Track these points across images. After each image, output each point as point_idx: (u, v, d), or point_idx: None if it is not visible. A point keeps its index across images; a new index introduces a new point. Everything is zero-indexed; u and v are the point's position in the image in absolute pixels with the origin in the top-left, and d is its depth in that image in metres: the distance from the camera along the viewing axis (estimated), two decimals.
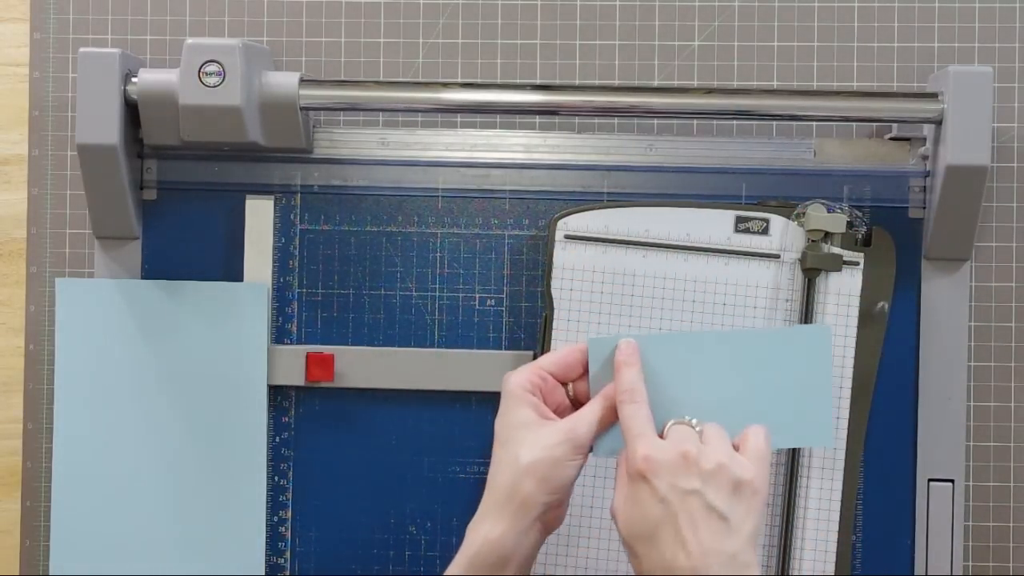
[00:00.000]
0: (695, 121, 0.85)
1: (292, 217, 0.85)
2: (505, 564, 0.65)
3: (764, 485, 0.63)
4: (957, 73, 0.78)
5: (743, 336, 0.71)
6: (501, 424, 0.68)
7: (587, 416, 0.67)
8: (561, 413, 0.70)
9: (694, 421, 0.66)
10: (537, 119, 0.85)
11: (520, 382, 0.69)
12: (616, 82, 0.85)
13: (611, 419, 0.68)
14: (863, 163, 0.83)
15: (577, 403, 0.71)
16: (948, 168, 0.78)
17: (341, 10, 0.86)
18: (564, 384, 0.71)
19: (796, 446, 0.66)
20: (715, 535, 0.60)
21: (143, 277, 0.85)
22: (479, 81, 0.85)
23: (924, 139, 0.81)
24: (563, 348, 0.72)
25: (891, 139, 0.83)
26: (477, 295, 0.84)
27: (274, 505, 0.84)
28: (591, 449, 0.68)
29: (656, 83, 0.85)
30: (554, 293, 0.81)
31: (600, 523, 0.80)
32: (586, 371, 0.71)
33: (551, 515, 0.67)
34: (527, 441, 0.66)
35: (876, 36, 0.84)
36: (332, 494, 0.85)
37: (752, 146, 0.83)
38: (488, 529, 0.65)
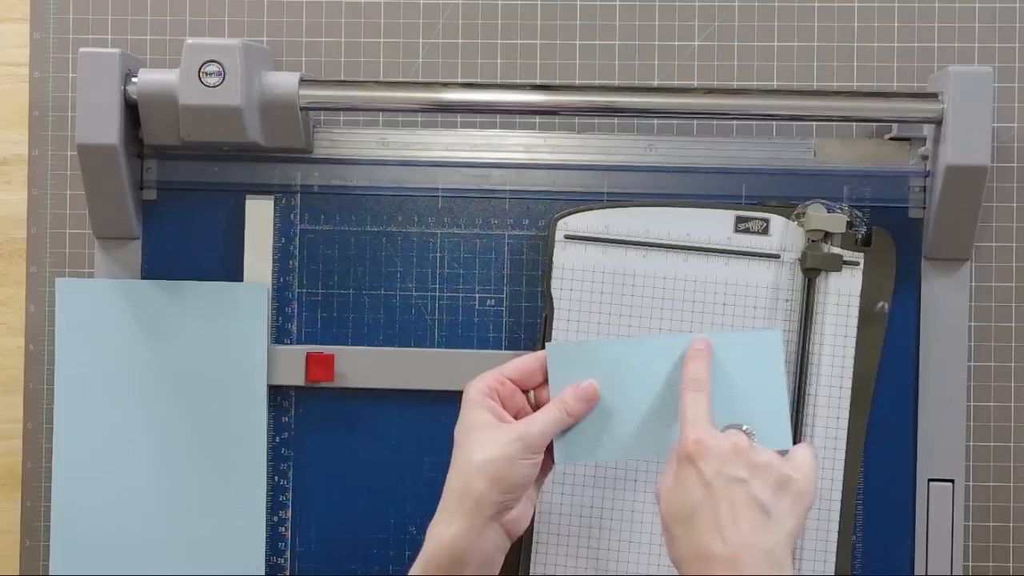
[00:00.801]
0: (695, 121, 0.85)
1: (292, 217, 0.85)
2: (461, 565, 0.65)
3: (811, 488, 0.62)
4: (957, 73, 0.78)
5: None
6: (458, 428, 0.69)
7: (540, 417, 0.68)
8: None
9: (746, 427, 0.65)
10: (537, 119, 0.85)
11: (479, 387, 0.69)
12: (616, 82, 0.85)
13: (565, 422, 0.69)
14: (863, 163, 0.83)
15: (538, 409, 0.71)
16: (948, 168, 0.78)
17: (341, 10, 0.86)
18: (525, 391, 0.71)
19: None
20: (754, 527, 0.60)
21: (143, 277, 0.85)
22: (479, 81, 0.85)
23: (924, 139, 0.81)
24: (524, 355, 0.72)
25: (891, 139, 0.83)
26: (477, 295, 0.84)
27: (274, 505, 0.84)
28: (555, 457, 0.69)
29: (656, 83, 0.85)
30: (554, 293, 0.81)
31: (600, 523, 0.80)
32: (547, 378, 0.71)
33: (510, 517, 0.67)
34: (480, 441, 0.66)
35: (876, 36, 0.84)
36: (332, 494, 0.85)
37: (752, 146, 0.83)
38: (442, 530, 0.66)
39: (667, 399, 0.69)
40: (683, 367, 0.68)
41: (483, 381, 0.69)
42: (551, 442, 0.69)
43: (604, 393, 0.69)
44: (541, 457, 0.68)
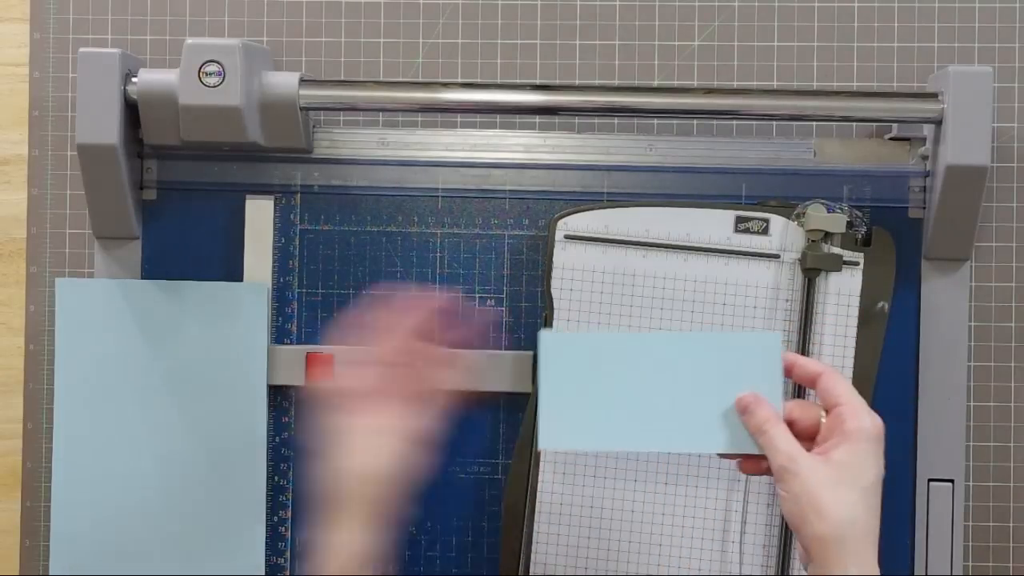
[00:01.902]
0: (695, 121, 0.85)
1: (292, 217, 0.85)
2: None
3: None
4: (957, 73, 0.78)
5: (694, 338, 0.71)
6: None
7: None
8: None
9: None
10: (537, 119, 0.85)
11: None
12: (616, 82, 0.85)
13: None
14: (863, 163, 0.83)
15: None
16: (948, 168, 0.78)
17: (341, 10, 0.86)
18: None
19: (745, 452, 0.66)
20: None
21: (143, 277, 0.84)
22: (479, 81, 0.85)
23: (924, 139, 0.81)
24: None
25: (891, 139, 0.83)
26: (477, 295, 0.84)
27: (274, 505, 0.84)
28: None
29: (656, 83, 0.85)
30: (554, 293, 0.81)
31: (600, 523, 0.80)
32: None
33: None
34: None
35: (876, 36, 0.84)
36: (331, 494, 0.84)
37: (752, 146, 0.83)
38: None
39: (663, 394, 0.68)
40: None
41: None
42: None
43: (596, 381, 0.68)
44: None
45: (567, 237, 0.81)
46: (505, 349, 0.84)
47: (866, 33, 0.84)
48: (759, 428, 0.64)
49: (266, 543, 0.84)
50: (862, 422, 0.61)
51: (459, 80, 0.85)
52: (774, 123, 0.84)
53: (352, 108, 0.83)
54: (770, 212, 0.80)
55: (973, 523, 0.83)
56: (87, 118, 0.79)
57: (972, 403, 0.83)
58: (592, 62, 0.85)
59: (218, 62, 0.78)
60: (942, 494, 0.82)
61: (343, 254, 0.85)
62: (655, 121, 0.85)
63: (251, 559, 0.83)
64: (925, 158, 0.81)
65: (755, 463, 0.65)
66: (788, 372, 0.66)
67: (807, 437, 0.64)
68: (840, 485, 0.60)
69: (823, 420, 0.63)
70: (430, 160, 0.84)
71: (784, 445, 0.62)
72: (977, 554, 0.83)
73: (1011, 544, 0.83)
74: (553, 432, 0.68)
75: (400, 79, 0.85)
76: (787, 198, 0.82)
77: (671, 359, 0.68)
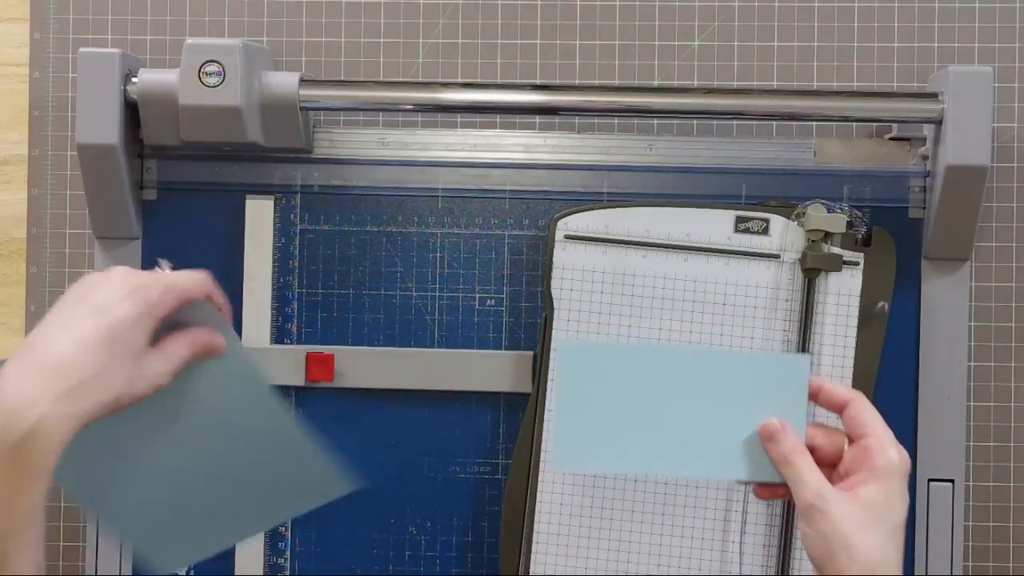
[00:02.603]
0: (695, 121, 0.85)
1: (292, 217, 0.85)
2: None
3: None
4: (957, 73, 0.78)
5: (718, 356, 0.69)
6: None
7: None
8: None
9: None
10: (537, 119, 0.85)
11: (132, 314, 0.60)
12: (616, 82, 0.85)
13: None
14: (863, 163, 0.83)
15: None
16: (948, 168, 0.78)
17: (341, 10, 0.86)
18: None
19: (766, 480, 0.64)
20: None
21: None
22: (479, 81, 0.85)
23: (924, 139, 0.81)
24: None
25: (891, 139, 0.83)
26: (477, 295, 0.84)
27: None
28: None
29: (656, 83, 0.85)
30: (554, 293, 0.81)
31: (600, 523, 0.80)
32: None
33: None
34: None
35: (876, 36, 0.84)
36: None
37: (752, 146, 0.83)
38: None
39: (683, 414, 0.65)
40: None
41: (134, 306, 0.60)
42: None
43: (615, 397, 0.65)
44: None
45: (567, 237, 0.81)
46: (505, 349, 0.84)
47: (866, 33, 0.84)
48: (784, 458, 0.61)
49: (266, 543, 0.84)
50: (891, 459, 0.59)
51: (459, 80, 0.85)
52: (774, 123, 0.84)
53: (352, 108, 0.83)
54: (770, 212, 0.80)
55: (973, 523, 0.83)
56: (87, 118, 0.79)
57: (972, 403, 0.83)
58: (592, 62, 0.85)
59: (218, 62, 0.78)
60: (942, 494, 0.82)
61: (343, 254, 0.85)
62: (655, 121, 0.85)
63: (250, 559, 0.83)
64: (925, 158, 0.81)
65: (771, 489, 0.63)
66: (813, 397, 0.63)
67: (827, 464, 0.62)
68: (870, 526, 0.58)
69: (846, 448, 0.61)
70: (430, 160, 0.84)
71: (812, 480, 0.60)
72: (977, 554, 0.83)
73: (1011, 544, 0.83)
74: (567, 453, 0.65)
75: (400, 79, 0.85)
76: (787, 198, 0.82)
77: (693, 376, 0.65)
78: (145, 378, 0.59)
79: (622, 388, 0.66)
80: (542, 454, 0.80)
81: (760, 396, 0.65)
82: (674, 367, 0.66)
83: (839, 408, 0.63)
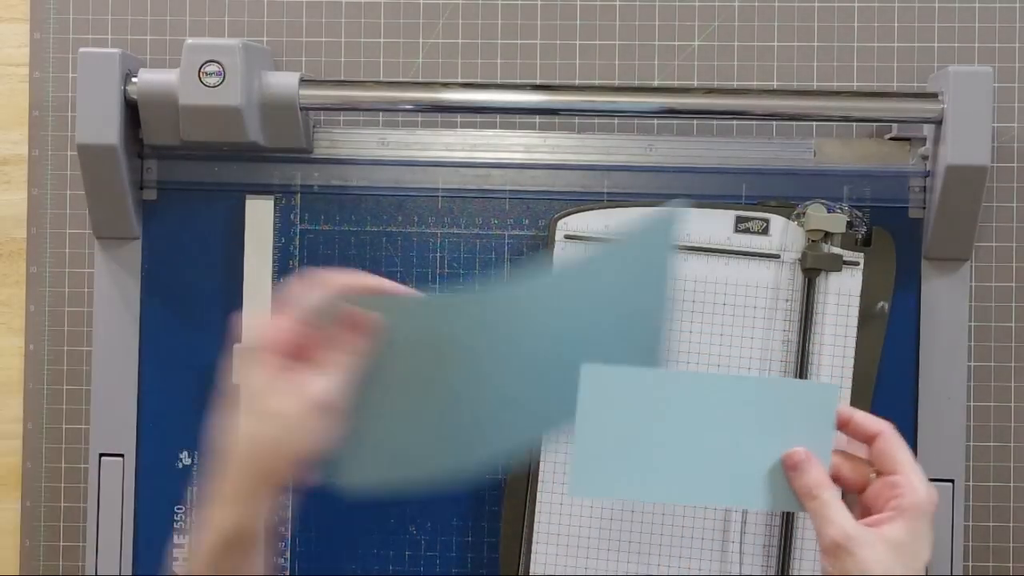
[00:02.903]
0: (695, 121, 0.85)
1: (292, 217, 0.85)
2: (250, 546, 0.60)
3: None
4: (957, 73, 0.78)
5: (744, 382, 0.67)
6: (244, 394, 0.61)
7: (324, 375, 0.60)
8: None
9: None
10: (537, 119, 0.85)
11: (270, 345, 0.60)
12: (616, 82, 0.85)
13: (352, 367, 0.60)
14: (863, 163, 0.83)
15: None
16: (948, 168, 0.78)
17: (341, 10, 0.86)
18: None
19: (788, 510, 0.63)
20: None
21: (143, 277, 0.84)
22: (479, 81, 0.85)
23: (924, 139, 0.81)
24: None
25: (891, 139, 0.83)
26: None
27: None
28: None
29: (656, 83, 0.85)
30: None
31: (600, 523, 0.80)
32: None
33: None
34: (267, 411, 0.59)
35: (876, 36, 0.84)
36: (332, 494, 0.84)
37: (752, 146, 0.83)
38: (222, 516, 0.60)
39: (706, 442, 0.63)
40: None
41: (274, 336, 0.60)
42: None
43: (636, 422, 0.63)
44: (336, 416, 0.60)
45: (567, 237, 0.81)
46: None
47: (866, 33, 0.84)
48: (809, 492, 0.60)
49: (266, 543, 0.84)
50: (920, 498, 0.58)
51: (459, 80, 0.85)
52: (774, 123, 0.84)
53: (352, 108, 0.83)
54: (770, 212, 0.80)
55: (973, 523, 0.83)
56: (87, 118, 0.79)
57: (972, 403, 0.83)
58: (592, 62, 0.85)
59: (218, 62, 0.78)
60: (942, 494, 0.82)
61: (343, 254, 0.85)
62: (655, 121, 0.85)
63: None
64: (925, 158, 0.81)
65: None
66: (843, 427, 0.62)
67: (850, 492, 0.61)
68: (896, 567, 0.57)
69: (872, 479, 0.60)
70: (430, 160, 0.84)
71: (839, 518, 0.58)
72: (977, 554, 0.83)
73: (1011, 544, 0.83)
74: (586, 480, 0.63)
75: (400, 79, 0.85)
76: (787, 198, 0.82)
77: (718, 403, 0.63)
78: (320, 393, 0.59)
79: (644, 413, 0.64)
80: (541, 454, 0.80)
81: (786, 425, 0.63)
82: (699, 393, 0.64)
83: (868, 440, 0.61)
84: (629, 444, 0.64)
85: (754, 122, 0.84)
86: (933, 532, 0.58)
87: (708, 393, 0.64)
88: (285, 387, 0.59)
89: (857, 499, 0.61)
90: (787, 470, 0.61)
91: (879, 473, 0.60)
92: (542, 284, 0.64)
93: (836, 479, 0.61)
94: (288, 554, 0.84)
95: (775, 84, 0.84)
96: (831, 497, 0.59)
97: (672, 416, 0.64)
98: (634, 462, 0.64)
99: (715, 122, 0.84)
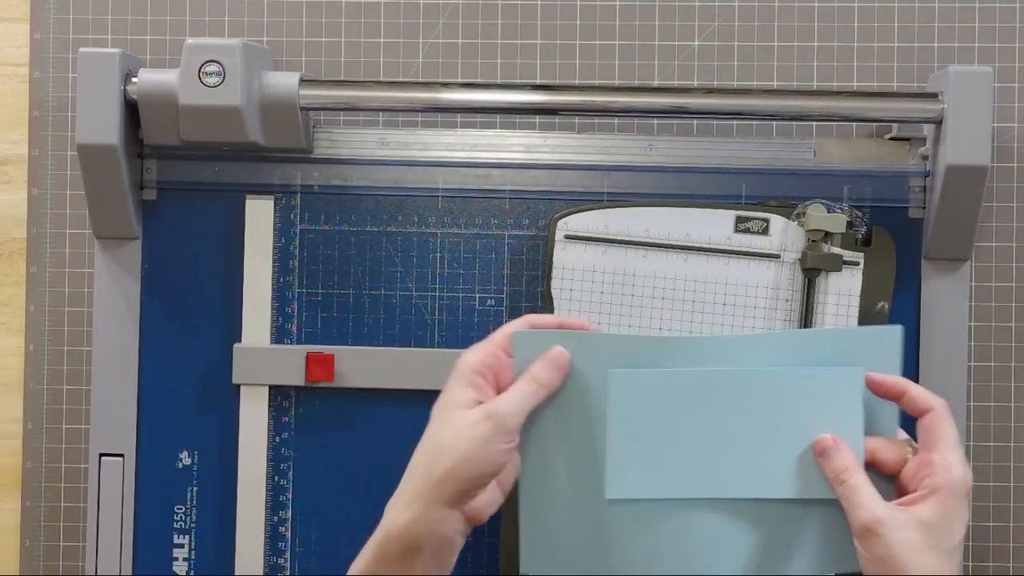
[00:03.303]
0: (695, 121, 0.85)
1: (292, 217, 0.85)
2: (415, 552, 0.60)
3: None
4: (957, 73, 0.78)
5: (770, 375, 0.65)
6: (437, 403, 0.63)
7: (510, 395, 0.62)
8: None
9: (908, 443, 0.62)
10: (537, 119, 0.85)
11: (470, 361, 0.63)
12: (616, 82, 0.85)
13: (539, 395, 0.63)
14: (863, 163, 0.83)
15: None
16: (948, 168, 0.78)
17: (341, 10, 0.86)
18: None
19: (821, 498, 0.62)
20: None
21: (143, 277, 0.84)
22: (479, 81, 0.85)
23: (924, 139, 0.81)
24: (526, 318, 0.67)
25: (891, 139, 0.83)
26: (477, 295, 0.84)
27: (274, 505, 0.84)
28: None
29: (656, 83, 0.85)
30: (554, 293, 0.81)
31: None
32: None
33: (474, 504, 0.62)
34: (451, 420, 0.61)
35: (876, 36, 0.84)
36: (332, 494, 0.85)
37: (752, 146, 0.83)
38: (397, 515, 0.61)
39: (736, 436, 0.64)
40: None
41: (476, 354, 0.64)
42: None
43: (667, 422, 0.64)
44: (514, 440, 0.61)
45: (567, 237, 0.81)
46: None
47: (866, 33, 0.84)
48: (837, 476, 0.60)
49: (266, 543, 0.84)
50: (954, 477, 0.58)
51: (459, 80, 0.85)
52: (774, 123, 0.84)
53: (352, 108, 0.83)
54: (770, 212, 0.80)
55: (973, 523, 0.83)
56: (87, 118, 0.79)
57: (972, 403, 0.83)
58: (592, 62, 0.85)
59: (218, 62, 0.78)
60: None
61: (343, 254, 0.85)
62: (655, 121, 0.85)
63: (250, 559, 0.83)
64: (925, 158, 0.82)
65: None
66: (898, 399, 0.62)
67: (889, 473, 0.61)
68: (928, 549, 0.57)
69: (909, 458, 0.60)
70: (430, 160, 0.84)
71: (868, 502, 0.59)
72: (977, 554, 0.83)
73: (1011, 544, 0.83)
74: (622, 481, 0.65)
75: (400, 79, 0.85)
76: (787, 198, 0.82)
77: (745, 397, 0.65)
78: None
79: (674, 413, 0.65)
80: None
81: (814, 412, 0.63)
82: (726, 389, 0.65)
83: (920, 414, 0.61)
84: (661, 444, 0.65)
85: (754, 122, 0.84)
86: (966, 512, 0.58)
87: (735, 388, 0.65)
88: (474, 406, 0.61)
89: (895, 480, 0.61)
90: (817, 456, 0.61)
91: (919, 451, 0.60)
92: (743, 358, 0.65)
93: (874, 462, 0.61)
94: (288, 554, 0.84)
95: (775, 84, 0.84)
96: (859, 481, 0.59)
97: (702, 414, 0.65)
98: (666, 461, 0.65)
99: (715, 122, 0.84)
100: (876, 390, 0.63)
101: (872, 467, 0.62)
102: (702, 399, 0.65)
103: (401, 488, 0.62)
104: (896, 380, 0.62)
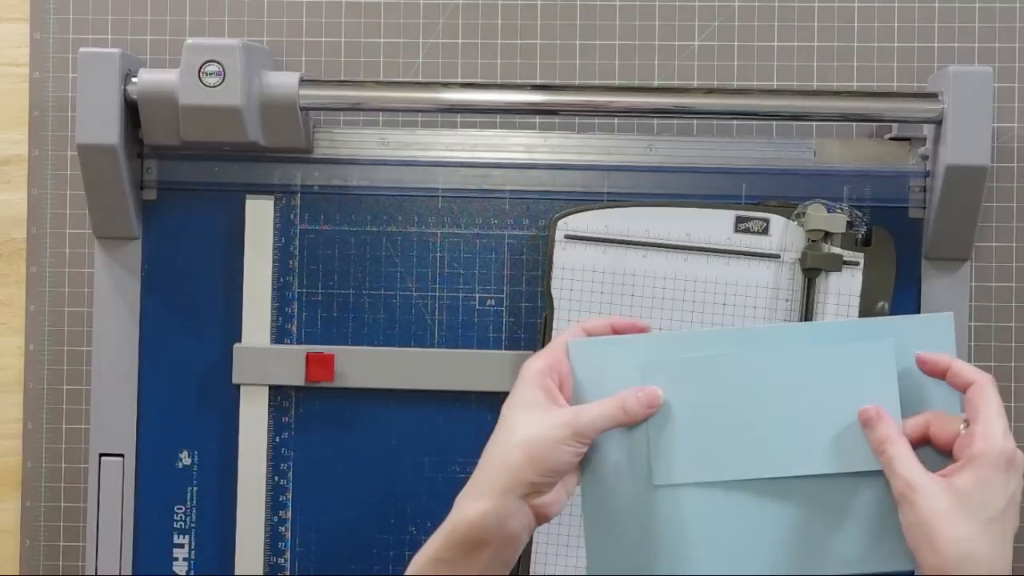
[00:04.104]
0: (695, 121, 0.85)
1: (292, 217, 0.85)
2: (483, 546, 0.62)
3: None
4: (957, 73, 0.78)
5: (804, 353, 0.65)
6: (508, 403, 0.65)
7: (594, 408, 0.64)
8: None
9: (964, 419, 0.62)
10: (537, 119, 0.85)
11: (537, 366, 0.65)
12: (616, 82, 0.85)
13: (618, 419, 0.65)
14: (863, 163, 0.83)
15: None
16: (948, 168, 0.78)
17: (341, 10, 0.86)
18: None
19: (861, 469, 0.63)
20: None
21: (143, 277, 0.85)
22: (479, 81, 0.85)
23: (924, 139, 0.81)
24: (588, 321, 0.69)
25: (891, 139, 0.83)
26: (477, 295, 0.84)
27: (274, 505, 0.84)
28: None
29: (656, 83, 0.85)
30: (554, 293, 0.81)
31: None
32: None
33: (543, 501, 0.63)
34: (526, 419, 0.63)
35: (876, 36, 0.84)
36: (332, 494, 0.85)
37: (752, 146, 0.83)
38: (469, 504, 0.62)
39: (773, 415, 0.65)
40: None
41: (542, 359, 0.66)
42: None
43: (704, 407, 0.65)
44: (586, 447, 0.64)
45: (567, 237, 0.81)
46: (505, 349, 0.84)
47: (866, 33, 0.84)
48: (878, 446, 0.61)
49: (266, 543, 0.84)
50: (992, 447, 0.58)
51: (459, 80, 0.85)
52: (774, 123, 0.84)
53: (352, 108, 0.83)
54: (770, 212, 0.80)
55: None
56: (87, 118, 0.79)
57: None
58: (592, 62, 0.85)
59: (218, 62, 0.78)
60: None
61: (343, 254, 0.85)
62: (655, 121, 0.85)
63: (250, 559, 0.83)
64: (925, 158, 0.82)
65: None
66: (941, 375, 0.63)
67: (948, 449, 0.61)
68: (960, 517, 0.57)
69: (962, 432, 0.60)
70: (430, 160, 0.84)
71: (903, 469, 0.59)
72: None
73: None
74: (668, 467, 0.65)
75: (400, 79, 0.85)
76: (787, 198, 0.82)
77: (782, 377, 0.65)
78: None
79: (712, 397, 0.66)
80: None
81: (850, 387, 0.64)
82: (760, 371, 0.65)
83: (963, 388, 0.61)
84: (702, 428, 0.66)
85: (754, 122, 0.84)
86: (1013, 486, 0.58)
87: (767, 367, 0.65)
88: (549, 406, 0.64)
89: (951, 455, 0.61)
90: (863, 428, 0.62)
91: (969, 424, 0.60)
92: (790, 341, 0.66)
93: (930, 437, 0.61)
94: (288, 554, 0.84)
95: (775, 84, 0.84)
96: (897, 450, 0.60)
97: (739, 396, 0.66)
98: (707, 445, 0.65)
99: (715, 122, 0.84)
100: (924, 368, 0.64)
101: (930, 443, 0.62)
102: (740, 382, 0.65)
103: (473, 481, 0.64)
104: (940, 357, 0.63)
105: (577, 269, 0.81)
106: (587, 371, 0.67)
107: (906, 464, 0.60)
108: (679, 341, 0.68)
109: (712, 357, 0.66)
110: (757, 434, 0.65)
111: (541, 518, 0.64)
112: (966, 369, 0.62)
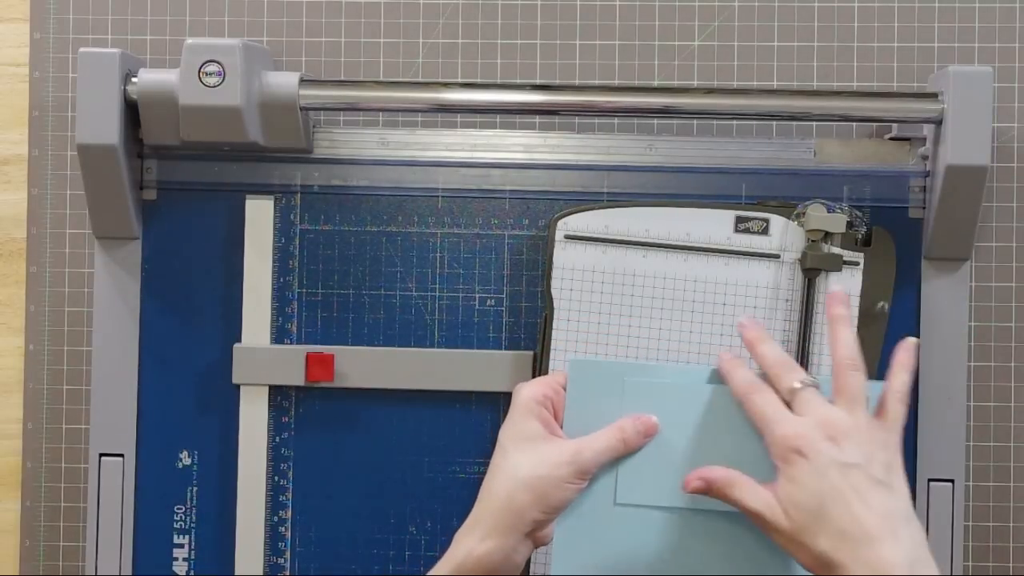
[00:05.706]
0: (695, 121, 0.85)
1: (292, 217, 0.85)
2: None
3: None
4: (957, 73, 0.78)
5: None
6: (506, 434, 0.68)
7: (596, 443, 0.67)
8: None
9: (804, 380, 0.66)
10: (537, 119, 0.85)
11: (532, 394, 0.68)
12: (616, 82, 0.85)
13: (619, 451, 0.67)
14: (863, 163, 0.83)
15: None
16: (948, 168, 0.78)
17: (341, 10, 0.86)
18: None
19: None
20: (885, 500, 0.60)
21: (143, 277, 0.85)
22: (479, 81, 0.85)
23: (924, 139, 0.81)
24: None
25: (891, 139, 0.83)
26: (477, 295, 0.84)
27: (274, 505, 0.84)
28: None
29: (656, 83, 0.85)
30: (554, 293, 0.81)
31: None
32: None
33: (539, 533, 0.67)
34: (529, 455, 0.66)
35: (876, 36, 0.84)
36: (332, 494, 0.85)
37: (752, 146, 0.83)
38: (475, 544, 0.65)
39: (720, 447, 0.68)
40: (731, 375, 0.68)
41: (536, 387, 0.69)
42: None
43: (669, 435, 0.68)
44: (587, 481, 0.67)
45: (567, 237, 0.81)
46: (505, 349, 0.84)
47: (866, 33, 0.84)
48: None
49: (266, 543, 0.84)
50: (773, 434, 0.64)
51: (459, 80, 0.85)
52: (774, 123, 0.84)
53: (352, 108, 0.83)
54: (770, 212, 0.80)
55: (973, 523, 0.83)
56: (87, 118, 0.79)
57: (972, 403, 0.83)
58: (592, 62, 0.85)
59: (218, 62, 0.78)
60: (942, 494, 0.82)
61: (343, 254, 0.85)
62: (655, 121, 0.85)
63: (250, 559, 0.83)
64: (925, 158, 0.81)
65: None
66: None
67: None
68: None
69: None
70: (430, 160, 0.84)
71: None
72: (977, 554, 0.83)
73: (1011, 544, 0.83)
74: (630, 488, 0.68)
75: (400, 79, 0.85)
76: (787, 198, 0.82)
77: (722, 409, 0.69)
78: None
79: (673, 424, 0.69)
80: None
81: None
82: (707, 401, 0.69)
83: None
84: (663, 455, 0.69)
85: (754, 122, 0.84)
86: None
87: (716, 400, 0.69)
88: (548, 438, 0.67)
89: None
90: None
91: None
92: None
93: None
94: (288, 554, 0.84)
95: (775, 84, 0.84)
96: (766, 399, 0.66)
97: (695, 426, 0.69)
98: (668, 471, 0.68)
99: (715, 122, 0.84)
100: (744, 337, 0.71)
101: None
102: (703, 414, 0.69)
103: (475, 518, 0.66)
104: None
105: (577, 269, 0.81)
106: (581, 391, 0.69)
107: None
108: (668, 370, 0.71)
109: (682, 386, 0.69)
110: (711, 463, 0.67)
111: (539, 544, 0.67)
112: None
